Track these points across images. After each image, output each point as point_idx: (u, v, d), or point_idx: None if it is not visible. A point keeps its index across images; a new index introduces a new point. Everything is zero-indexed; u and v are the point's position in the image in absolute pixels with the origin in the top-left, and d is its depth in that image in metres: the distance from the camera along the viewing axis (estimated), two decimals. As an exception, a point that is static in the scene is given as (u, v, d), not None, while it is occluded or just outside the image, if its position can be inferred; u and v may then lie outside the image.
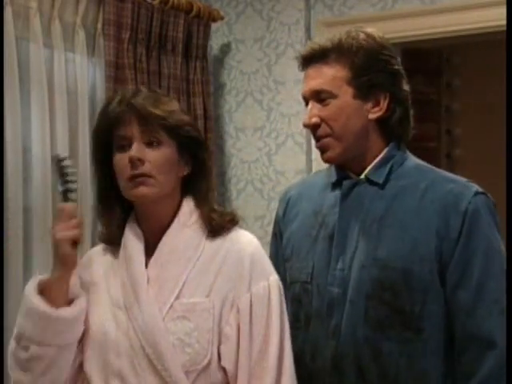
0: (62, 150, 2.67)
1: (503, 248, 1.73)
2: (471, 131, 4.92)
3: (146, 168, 1.59)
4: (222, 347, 1.60)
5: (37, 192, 2.58)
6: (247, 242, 1.67)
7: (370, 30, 1.81)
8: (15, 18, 2.50)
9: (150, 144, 1.61)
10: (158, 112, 1.61)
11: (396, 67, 1.80)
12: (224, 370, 1.60)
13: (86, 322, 1.65)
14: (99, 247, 1.76)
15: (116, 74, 2.90)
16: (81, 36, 2.79)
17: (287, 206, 1.95)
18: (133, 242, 1.65)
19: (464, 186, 1.75)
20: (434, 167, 1.85)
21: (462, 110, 5.00)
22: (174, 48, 3.23)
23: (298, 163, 3.41)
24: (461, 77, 5.01)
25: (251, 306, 1.60)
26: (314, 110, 1.77)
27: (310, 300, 1.80)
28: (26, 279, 2.50)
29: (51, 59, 2.67)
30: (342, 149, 1.77)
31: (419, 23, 3.19)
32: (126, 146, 1.61)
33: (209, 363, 1.58)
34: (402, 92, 1.81)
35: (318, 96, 1.77)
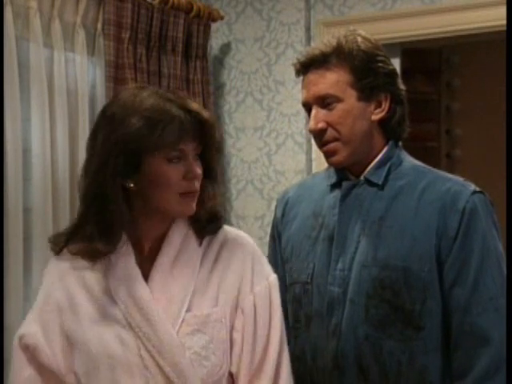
0: (62, 150, 2.67)
1: (500, 246, 1.73)
2: (471, 131, 4.92)
3: (198, 185, 1.54)
4: (231, 353, 1.57)
5: (37, 192, 2.57)
6: (245, 243, 1.64)
7: (364, 32, 1.83)
8: (15, 18, 2.49)
9: (195, 158, 1.55)
10: (215, 125, 1.56)
11: (392, 67, 1.82)
12: (231, 373, 1.58)
13: (81, 343, 1.54)
14: (63, 261, 1.59)
15: (116, 74, 2.90)
16: (81, 36, 2.79)
17: (286, 207, 1.95)
18: (123, 256, 1.54)
19: (462, 185, 1.76)
20: (430, 167, 1.85)
21: (462, 109, 5.00)
22: (174, 48, 3.23)
23: (298, 163, 3.41)
24: (461, 77, 5.01)
25: (255, 307, 1.59)
26: (319, 115, 1.77)
27: (310, 300, 1.81)
28: (26, 279, 2.51)
29: (51, 59, 2.66)
30: (349, 152, 1.77)
31: (419, 23, 3.19)
32: (180, 158, 1.51)
33: (223, 372, 1.55)
34: (400, 91, 1.83)
35: (322, 101, 1.77)
